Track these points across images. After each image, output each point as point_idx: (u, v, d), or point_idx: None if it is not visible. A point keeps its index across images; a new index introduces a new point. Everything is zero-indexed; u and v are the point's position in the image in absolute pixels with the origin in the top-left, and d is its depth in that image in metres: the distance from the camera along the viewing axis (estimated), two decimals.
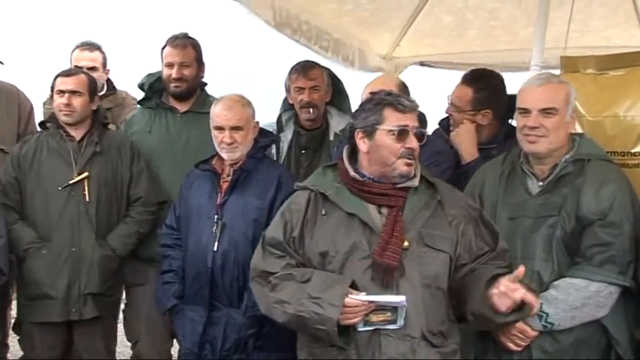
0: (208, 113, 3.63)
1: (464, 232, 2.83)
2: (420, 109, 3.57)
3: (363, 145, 2.86)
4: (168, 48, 4.13)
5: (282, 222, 2.93)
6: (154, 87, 4.23)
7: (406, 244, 2.74)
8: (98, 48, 4.90)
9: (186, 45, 4.12)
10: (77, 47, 4.86)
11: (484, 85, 3.69)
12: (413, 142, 2.80)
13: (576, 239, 2.93)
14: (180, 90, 4.13)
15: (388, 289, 2.71)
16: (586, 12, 5.00)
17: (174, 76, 4.09)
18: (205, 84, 4.29)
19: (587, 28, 5.13)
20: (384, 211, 2.82)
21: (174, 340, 4.12)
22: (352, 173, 2.89)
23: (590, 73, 3.51)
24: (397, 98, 2.85)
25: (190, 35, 4.21)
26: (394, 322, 2.70)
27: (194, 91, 4.19)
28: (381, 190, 2.84)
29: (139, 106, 4.41)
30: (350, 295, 2.66)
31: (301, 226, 2.88)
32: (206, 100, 4.17)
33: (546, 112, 2.95)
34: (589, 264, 2.89)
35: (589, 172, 2.96)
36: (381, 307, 2.69)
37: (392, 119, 2.81)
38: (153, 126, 4.18)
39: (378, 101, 2.86)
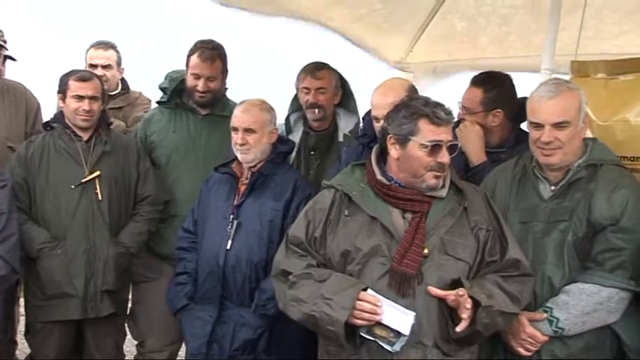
0: (228, 117, 3.66)
1: (484, 238, 2.83)
2: None
3: (394, 151, 2.84)
4: (196, 59, 4.07)
5: (305, 221, 2.93)
6: (173, 87, 4.23)
7: (426, 251, 2.73)
8: (113, 47, 4.93)
9: (214, 58, 4.08)
10: (92, 46, 4.90)
11: (494, 85, 3.65)
12: (445, 157, 2.78)
13: (588, 244, 2.92)
14: (204, 100, 4.14)
15: (404, 296, 2.70)
16: (598, 18, 4.96)
17: (200, 89, 4.09)
18: (226, 88, 4.30)
19: (600, 34, 5.09)
20: (408, 216, 2.81)
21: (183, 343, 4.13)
22: (379, 177, 2.87)
23: (601, 78, 3.50)
24: (434, 110, 2.78)
25: (216, 43, 4.15)
26: (392, 344, 2.68)
27: (217, 99, 4.21)
28: (406, 195, 2.82)
29: (154, 105, 4.42)
30: (368, 291, 2.66)
31: (324, 225, 2.88)
32: (227, 104, 4.20)
33: (559, 125, 2.92)
34: (601, 269, 2.88)
35: (601, 177, 2.95)
36: (386, 326, 2.67)
37: (426, 133, 2.77)
38: (176, 125, 4.19)
39: (415, 110, 2.80)
